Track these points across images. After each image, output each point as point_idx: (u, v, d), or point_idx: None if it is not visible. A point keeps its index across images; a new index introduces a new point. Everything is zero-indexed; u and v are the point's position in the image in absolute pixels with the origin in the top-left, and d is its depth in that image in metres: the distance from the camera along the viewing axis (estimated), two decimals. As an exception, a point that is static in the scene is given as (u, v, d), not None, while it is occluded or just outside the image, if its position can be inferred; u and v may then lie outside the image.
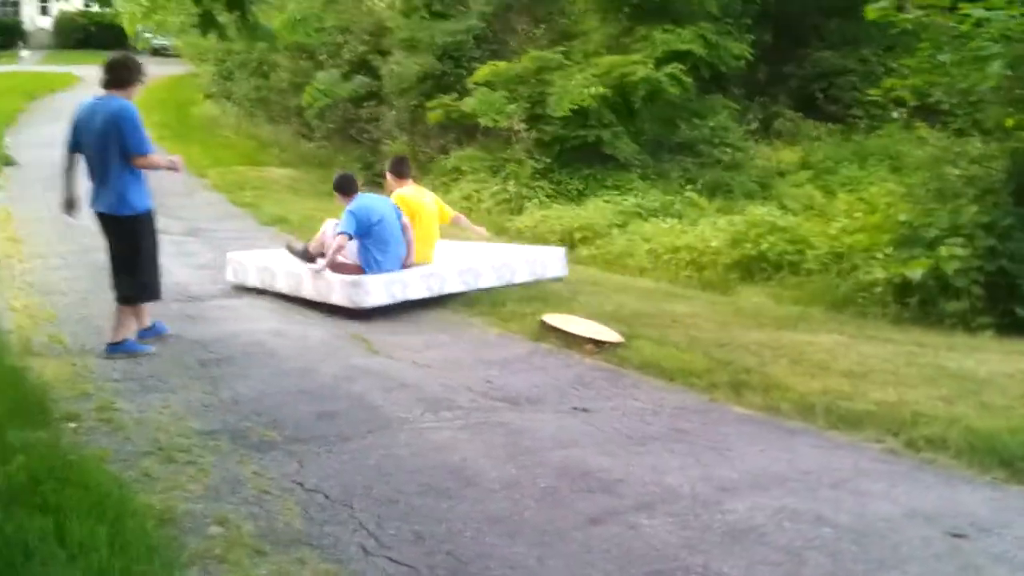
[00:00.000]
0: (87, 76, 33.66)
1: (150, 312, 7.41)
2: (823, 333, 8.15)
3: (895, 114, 16.57)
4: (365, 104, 20.73)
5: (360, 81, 20.64)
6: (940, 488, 4.71)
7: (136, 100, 7.08)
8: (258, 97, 25.58)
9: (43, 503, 3.94)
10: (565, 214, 14.68)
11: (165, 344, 7.26)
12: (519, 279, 9.65)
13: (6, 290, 8.92)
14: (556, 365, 7.09)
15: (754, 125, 19.60)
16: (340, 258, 8.79)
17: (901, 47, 15.06)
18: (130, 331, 7.16)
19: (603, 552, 3.96)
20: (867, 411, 5.71)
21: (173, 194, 14.77)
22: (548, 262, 10.19)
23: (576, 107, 16.08)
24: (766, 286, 10.93)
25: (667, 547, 4.00)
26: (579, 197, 15.95)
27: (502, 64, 17.46)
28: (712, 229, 12.46)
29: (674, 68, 16.66)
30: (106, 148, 6.85)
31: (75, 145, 7.06)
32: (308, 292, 8.96)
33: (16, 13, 55.13)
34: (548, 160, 16.89)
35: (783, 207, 14.40)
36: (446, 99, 17.86)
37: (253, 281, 9.54)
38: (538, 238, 14.02)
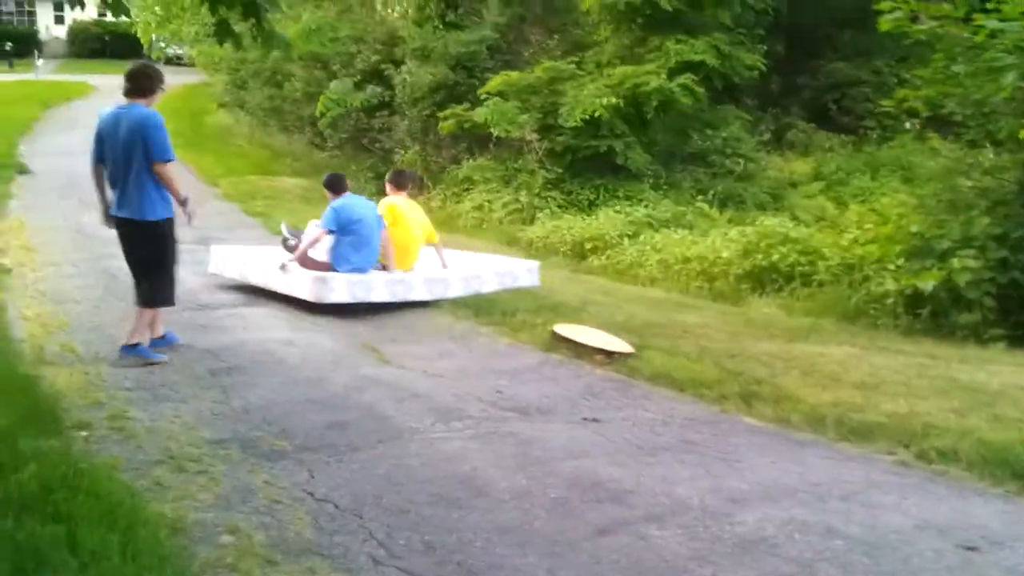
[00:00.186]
0: (102, 85, 33.89)
1: (163, 321, 7.43)
2: (834, 344, 8.14)
3: (908, 125, 16.59)
4: (378, 114, 20.76)
5: (373, 91, 20.69)
6: (952, 500, 4.70)
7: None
8: (271, 107, 25.65)
9: (55, 511, 3.95)
10: (576, 224, 14.67)
11: (176, 353, 7.27)
12: (487, 289, 9.85)
13: (19, 298, 8.93)
14: (566, 375, 7.10)
15: (766, 136, 19.60)
16: (313, 254, 9.27)
17: (914, 58, 15.08)
18: (146, 336, 7.19)
19: (613, 563, 3.96)
20: (878, 423, 5.71)
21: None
22: (519, 273, 10.38)
23: (588, 117, 16.09)
24: (777, 297, 10.90)
25: (677, 558, 4.00)
26: (590, 207, 15.94)
27: (515, 74, 17.48)
28: (723, 240, 12.44)
29: (687, 79, 16.66)
30: (131, 155, 6.88)
31: (100, 155, 7.10)
32: (278, 286, 9.35)
33: (32, 22, 55.45)
34: (560, 170, 16.89)
35: (795, 218, 14.39)
36: (458, 109, 17.87)
37: (231, 274, 9.92)
38: (549, 248, 14.03)
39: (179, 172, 7.33)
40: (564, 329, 7.95)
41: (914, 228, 10.10)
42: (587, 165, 16.87)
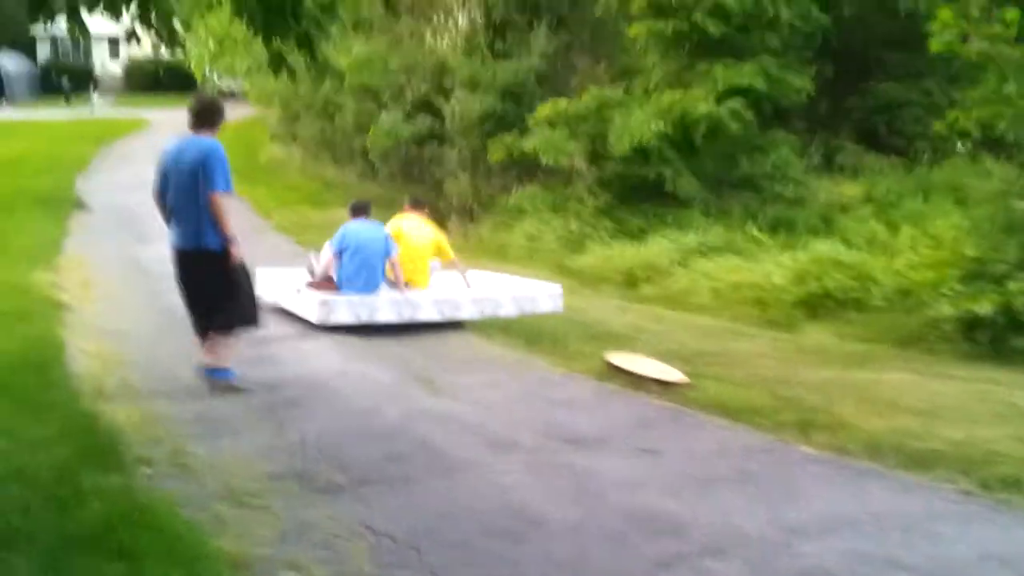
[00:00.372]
0: (156, 120, 34.47)
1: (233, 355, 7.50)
2: (890, 371, 8.06)
3: (960, 147, 16.38)
4: (428, 144, 20.91)
5: (423, 121, 20.84)
6: (1016, 530, 4.64)
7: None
8: (323, 139, 25.92)
9: (119, 548, 3.99)
10: (626, 252, 14.66)
11: (230, 389, 7.32)
12: (504, 312, 10.06)
13: (77, 334, 9.07)
14: (620, 405, 7.09)
15: (816, 159, 19.45)
16: (331, 274, 9.87)
17: (965, 79, 14.89)
18: (229, 359, 7.31)
19: (672, 597, 3.94)
20: (938, 451, 5.64)
21: (239, 235, 14.96)
22: (539, 298, 10.49)
23: (637, 145, 16.08)
24: (831, 323, 10.80)
25: (736, 592, 3.97)
26: (641, 235, 15.91)
27: (563, 102, 17.52)
28: (775, 266, 12.36)
29: (735, 103, 16.61)
30: (195, 185, 7.00)
31: (163, 188, 7.23)
32: (294, 308, 9.88)
33: (88, 58, 56.51)
34: (610, 198, 16.89)
35: (847, 242, 14.24)
36: (507, 138, 17.95)
37: (269, 297, 10.15)
38: (600, 276, 14.03)
39: (234, 205, 7.43)
40: (617, 358, 7.94)
41: (969, 251, 9.98)
42: (637, 192, 16.84)
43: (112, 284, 11.80)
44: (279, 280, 10.37)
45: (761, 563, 4.24)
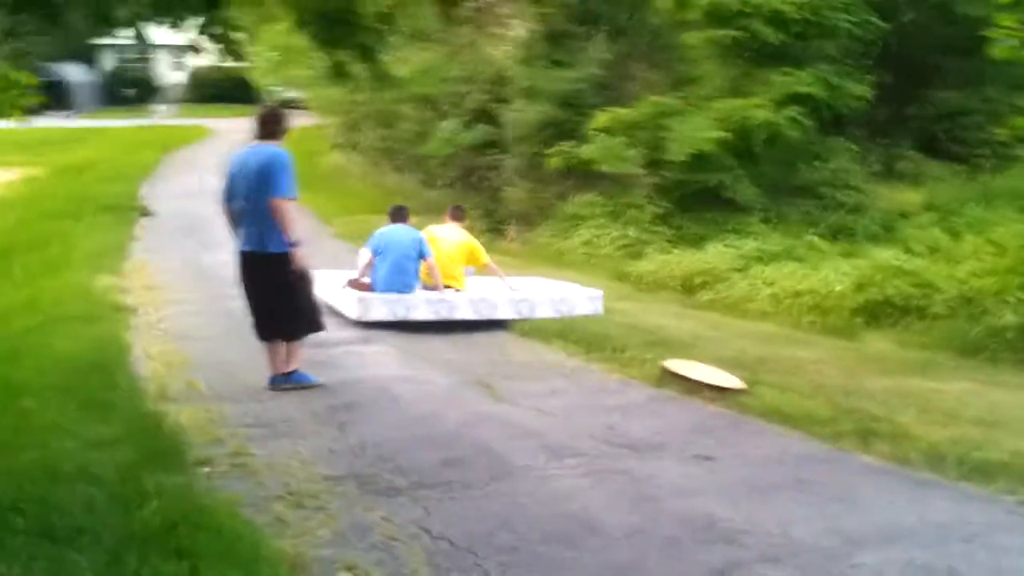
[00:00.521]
0: (219, 128, 34.94)
1: (299, 359, 7.63)
2: (952, 380, 7.98)
3: (1022, 153, 16.15)
4: (486, 152, 21.00)
5: (481, 130, 20.93)
6: (1079, 542, 4.58)
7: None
8: (383, 147, 26.08)
9: (178, 548, 4.04)
10: (685, 259, 14.63)
11: (296, 391, 7.43)
12: (540, 314, 10.29)
13: (143, 337, 9.23)
14: (677, 411, 7.09)
15: (876, 167, 19.28)
16: (367, 278, 10.28)
17: (1027, 85, 14.73)
18: (298, 363, 7.49)
19: (729, 603, 3.95)
20: (1000, 461, 5.59)
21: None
22: (576, 301, 10.69)
23: (696, 152, 16.05)
24: (892, 331, 10.70)
25: (794, 599, 3.97)
26: (699, 242, 15.87)
27: (621, 110, 17.53)
28: (835, 273, 12.27)
29: (794, 111, 16.53)
30: (260, 190, 7.18)
31: (230, 194, 7.44)
32: (338, 306, 10.27)
33: (152, 68, 57.47)
34: (668, 205, 16.89)
35: (908, 250, 14.10)
36: (565, 146, 17.99)
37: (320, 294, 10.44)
38: (658, 283, 14.01)
39: (297, 212, 7.56)
40: (675, 365, 7.94)
41: (1034, 259, 9.86)
42: (695, 199, 16.82)
43: (176, 288, 11.98)
44: (333, 281, 10.62)
45: (818, 572, 4.23)
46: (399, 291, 10.07)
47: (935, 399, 7.08)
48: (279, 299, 7.37)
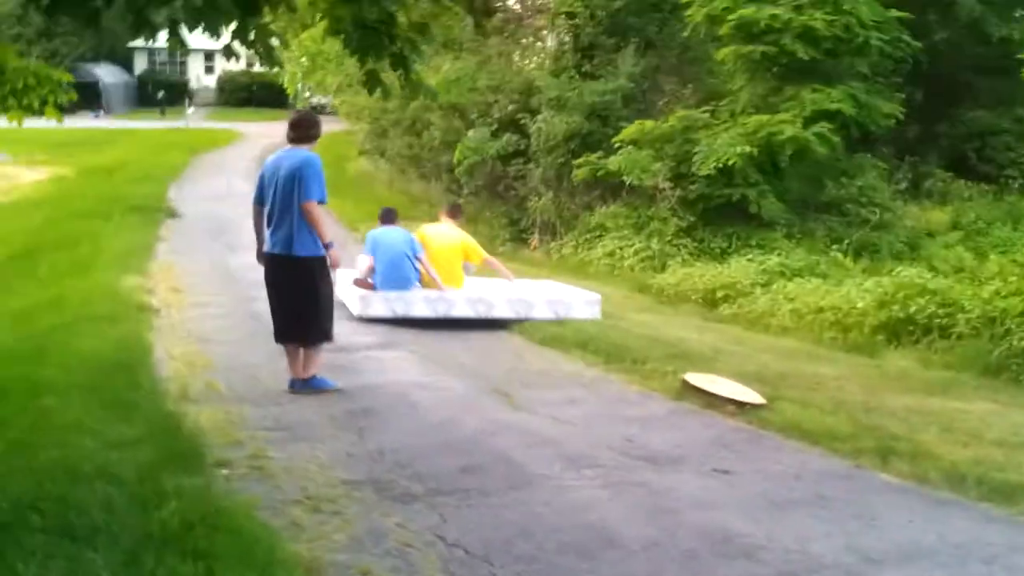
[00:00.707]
0: (248, 132, 35.16)
1: (318, 365, 7.67)
2: (975, 400, 7.93)
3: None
4: (513, 162, 21.04)
5: (509, 139, 20.98)
6: (1099, 566, 4.54)
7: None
8: (410, 154, 26.17)
9: (195, 549, 4.04)
10: (708, 272, 14.61)
11: (316, 395, 7.46)
12: (537, 315, 10.48)
13: (166, 338, 9.28)
14: (697, 425, 7.07)
15: (903, 185, 19.21)
16: (371, 278, 10.58)
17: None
18: (318, 368, 7.56)
19: (744, 618, 3.93)
20: (1022, 483, 5.54)
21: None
22: (574, 304, 10.83)
23: (721, 166, 16.06)
24: (914, 350, 10.63)
25: (809, 616, 3.96)
26: (722, 255, 15.87)
27: (649, 123, 17.55)
28: (858, 290, 12.21)
29: (822, 127, 16.50)
30: (291, 193, 7.31)
31: (261, 196, 7.58)
32: (346, 302, 10.56)
33: (183, 72, 57.94)
34: (692, 218, 16.91)
35: (932, 268, 14.04)
36: (592, 157, 18.02)
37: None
38: (680, 296, 14.00)
39: (325, 216, 7.63)
40: (695, 378, 7.93)
41: (1060, 281, 9.79)
42: (720, 213, 16.83)
43: (201, 290, 12.04)
44: (343, 278, 10.71)
45: (835, 588, 4.21)
46: (398, 288, 10.35)
47: (957, 419, 7.04)
48: (302, 303, 7.45)
